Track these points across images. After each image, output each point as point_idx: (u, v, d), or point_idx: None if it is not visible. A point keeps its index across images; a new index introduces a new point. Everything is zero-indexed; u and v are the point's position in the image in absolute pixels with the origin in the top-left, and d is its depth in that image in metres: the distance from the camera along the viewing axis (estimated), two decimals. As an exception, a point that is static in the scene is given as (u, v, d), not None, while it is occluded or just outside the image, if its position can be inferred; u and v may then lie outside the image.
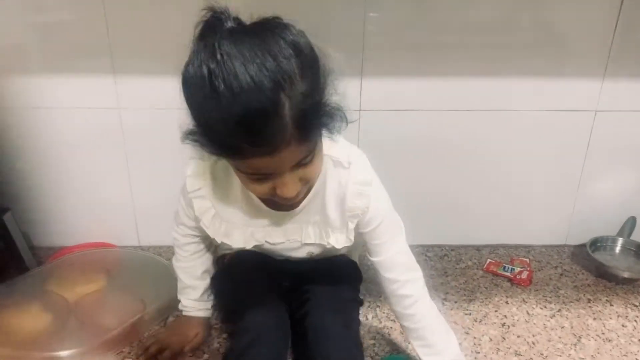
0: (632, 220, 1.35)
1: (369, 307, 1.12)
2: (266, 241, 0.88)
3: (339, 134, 0.69)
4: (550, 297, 1.18)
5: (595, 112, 1.24)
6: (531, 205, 1.35)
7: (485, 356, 1.00)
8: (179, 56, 1.17)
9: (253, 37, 0.61)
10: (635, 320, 1.11)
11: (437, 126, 1.24)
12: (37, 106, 1.19)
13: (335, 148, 0.79)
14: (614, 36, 1.16)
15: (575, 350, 1.02)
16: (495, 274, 1.27)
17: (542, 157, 1.29)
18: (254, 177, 0.68)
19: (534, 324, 1.09)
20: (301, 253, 0.91)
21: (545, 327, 1.08)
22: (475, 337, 1.05)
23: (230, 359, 0.87)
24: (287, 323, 0.90)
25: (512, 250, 1.38)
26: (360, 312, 1.03)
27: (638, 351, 1.02)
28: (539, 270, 1.29)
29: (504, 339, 1.05)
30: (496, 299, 1.18)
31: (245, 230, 0.87)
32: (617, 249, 1.35)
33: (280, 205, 0.81)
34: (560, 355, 1.00)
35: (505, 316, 1.12)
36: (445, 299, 1.16)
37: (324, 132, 0.68)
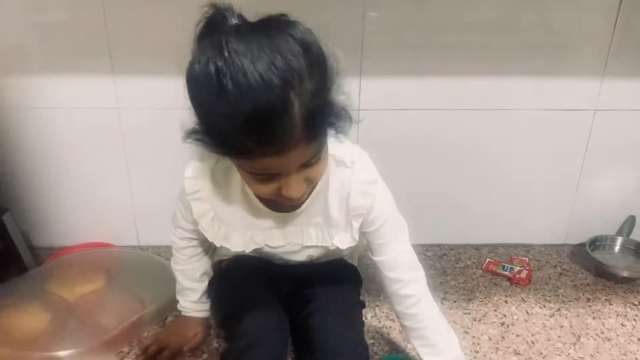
0: (631, 220, 1.35)
1: (368, 306, 1.12)
2: (266, 244, 0.86)
3: (345, 134, 0.69)
4: (550, 297, 1.19)
5: (594, 112, 1.24)
6: (530, 204, 1.36)
7: (484, 355, 1.00)
8: (178, 56, 1.17)
9: (261, 34, 0.59)
10: (634, 320, 1.11)
11: (436, 126, 1.24)
12: (37, 106, 1.19)
13: (337, 147, 0.78)
14: (613, 35, 1.16)
15: (574, 349, 1.02)
16: (495, 273, 1.27)
17: (541, 156, 1.29)
18: (260, 177, 0.67)
19: (533, 323, 1.09)
20: (301, 256, 0.91)
21: (545, 326, 1.08)
22: (474, 337, 1.05)
23: None
24: (287, 326, 0.89)
25: (512, 250, 1.38)
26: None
27: (637, 350, 1.02)
28: (538, 270, 1.29)
29: (503, 338, 1.05)
30: (495, 298, 1.18)
31: (245, 233, 0.86)
32: (617, 248, 1.35)
33: (282, 206, 0.80)
34: (559, 355, 1.00)
35: (505, 315, 1.12)
36: (444, 299, 1.16)
37: (331, 132, 0.67)
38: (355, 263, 1.08)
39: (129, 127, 1.21)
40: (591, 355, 1.01)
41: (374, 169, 0.83)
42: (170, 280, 1.03)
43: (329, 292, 0.92)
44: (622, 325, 1.10)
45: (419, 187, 1.30)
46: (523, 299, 1.17)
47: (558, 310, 1.14)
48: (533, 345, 1.03)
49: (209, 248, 1.00)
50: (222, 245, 0.87)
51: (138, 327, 1.02)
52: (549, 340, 1.04)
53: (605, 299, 1.18)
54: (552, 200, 1.36)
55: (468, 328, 1.07)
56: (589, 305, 1.16)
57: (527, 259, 1.32)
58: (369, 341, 1.02)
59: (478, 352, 1.01)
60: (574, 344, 1.04)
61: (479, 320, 1.10)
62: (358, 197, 0.81)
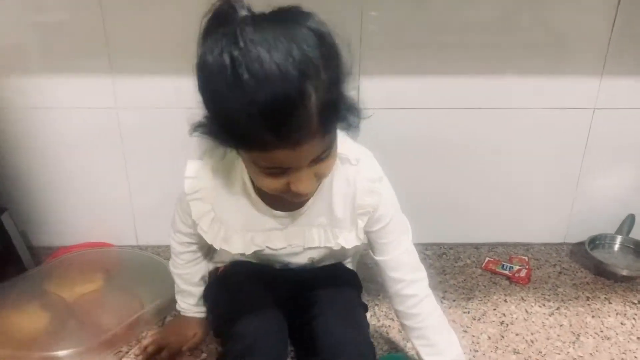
0: (630, 218, 1.35)
1: (363, 301, 1.12)
2: (267, 246, 0.84)
3: (356, 129, 0.68)
4: (549, 295, 1.18)
5: (593, 110, 1.24)
6: (530, 203, 1.35)
7: (483, 354, 1.00)
8: (177, 56, 1.17)
9: (276, 24, 0.58)
10: (633, 318, 1.11)
11: (435, 125, 1.24)
12: (35, 106, 1.19)
13: (342, 145, 0.76)
14: (611, 34, 1.16)
15: (573, 348, 1.02)
16: (494, 272, 1.27)
17: (541, 155, 1.29)
18: (270, 171, 0.66)
19: (533, 322, 1.09)
20: (302, 258, 0.89)
21: (544, 325, 1.08)
22: (473, 336, 1.05)
23: None
24: (285, 330, 0.87)
25: (511, 249, 1.38)
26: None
27: (637, 349, 1.02)
28: (538, 269, 1.29)
29: (503, 337, 1.05)
30: (495, 297, 1.18)
31: (245, 235, 0.84)
32: (616, 246, 1.35)
33: (286, 202, 0.79)
34: (558, 353, 1.00)
35: (504, 314, 1.12)
36: (443, 298, 1.16)
37: (342, 127, 0.66)
38: (354, 268, 1.05)
39: (128, 127, 1.21)
40: (590, 354, 1.01)
41: (379, 167, 0.82)
42: (169, 280, 1.03)
43: (331, 295, 0.90)
44: (621, 323, 1.10)
45: (417, 186, 1.30)
46: (522, 298, 1.17)
47: (557, 309, 1.14)
48: (532, 344, 1.03)
49: (207, 252, 0.99)
50: (221, 248, 0.85)
51: (137, 326, 1.02)
52: (548, 339, 1.04)
53: (605, 298, 1.18)
54: (552, 199, 1.35)
55: (467, 327, 1.07)
56: (589, 304, 1.16)
57: (526, 258, 1.32)
58: (368, 340, 1.02)
59: (477, 351, 1.00)
60: (574, 342, 1.03)
61: (479, 319, 1.10)
62: (364, 195, 0.80)
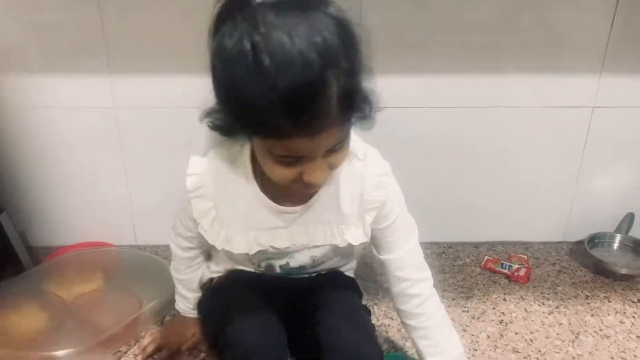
0: (630, 217, 1.35)
1: (366, 305, 1.12)
2: (271, 246, 0.82)
3: (372, 121, 0.67)
4: (548, 294, 1.18)
5: (592, 109, 1.24)
6: (529, 201, 1.35)
7: (483, 353, 1.00)
8: (176, 56, 1.17)
9: (296, 10, 0.57)
10: (633, 317, 1.11)
11: (433, 124, 1.24)
12: (33, 106, 1.18)
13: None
14: (610, 32, 1.16)
15: (573, 346, 1.02)
16: (493, 271, 1.27)
17: (540, 153, 1.29)
18: (284, 160, 0.64)
19: (532, 320, 1.09)
20: (304, 257, 0.87)
21: (543, 324, 1.08)
22: (472, 335, 1.05)
23: None
24: (285, 338, 0.84)
25: (510, 247, 1.38)
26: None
27: (636, 347, 1.02)
28: (537, 267, 1.29)
29: (502, 336, 1.05)
30: (494, 296, 1.17)
31: (248, 234, 0.81)
32: (615, 245, 1.35)
33: (292, 198, 0.78)
34: (558, 352, 1.00)
35: (503, 313, 1.11)
36: (442, 297, 1.14)
37: (358, 118, 0.65)
38: (353, 276, 1.02)
39: (126, 127, 1.21)
40: (590, 352, 1.00)
41: (386, 162, 0.82)
42: (168, 280, 1.02)
43: (333, 299, 0.88)
44: (620, 322, 1.10)
45: (416, 185, 1.28)
46: (522, 297, 1.17)
47: (557, 307, 1.14)
48: (532, 343, 1.03)
49: (208, 257, 0.97)
50: (217, 255, 0.83)
51: (136, 326, 1.02)
52: (547, 337, 1.04)
53: (604, 297, 1.18)
54: (551, 198, 1.35)
55: (466, 326, 1.07)
56: (588, 303, 1.16)
57: (525, 257, 1.32)
58: (367, 339, 1.02)
59: (477, 350, 1.00)
60: (573, 341, 1.03)
61: (478, 318, 1.10)
62: (372, 190, 0.79)
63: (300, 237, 0.83)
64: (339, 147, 0.66)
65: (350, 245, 0.84)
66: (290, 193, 0.77)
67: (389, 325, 1.06)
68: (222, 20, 0.60)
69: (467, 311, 1.12)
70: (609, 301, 1.16)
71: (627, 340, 1.04)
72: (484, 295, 1.17)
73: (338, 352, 0.78)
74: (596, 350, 1.01)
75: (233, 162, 0.79)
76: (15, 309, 1.04)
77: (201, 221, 0.81)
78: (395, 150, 1.23)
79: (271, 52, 0.54)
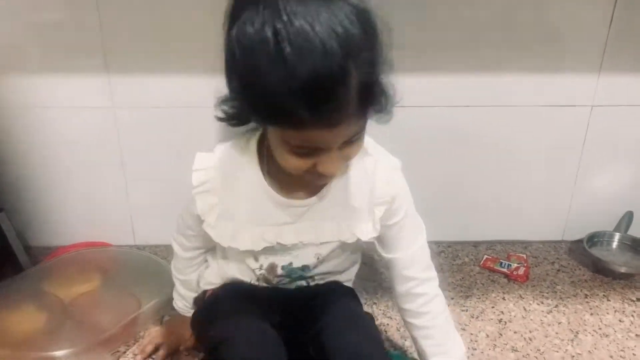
0: (629, 215, 1.35)
1: (365, 304, 1.12)
2: (277, 242, 0.80)
3: (389, 114, 0.67)
4: (547, 293, 1.18)
5: (591, 107, 1.24)
6: (528, 200, 1.35)
7: (482, 352, 1.00)
8: (174, 55, 1.17)
9: None
10: (632, 315, 1.11)
11: (431, 123, 1.23)
12: (32, 105, 1.18)
13: None
14: (609, 31, 1.16)
15: (572, 345, 1.02)
16: (492, 270, 1.27)
17: (538, 152, 1.29)
18: (300, 150, 0.64)
19: (531, 319, 1.09)
20: (309, 255, 0.84)
21: (542, 323, 1.08)
22: (472, 334, 1.05)
23: None
24: (283, 353, 0.80)
25: (509, 246, 1.38)
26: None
27: (635, 346, 1.02)
28: (536, 266, 1.29)
29: (501, 335, 1.05)
30: (493, 295, 1.17)
31: (254, 230, 0.80)
32: (614, 244, 1.35)
33: (303, 187, 0.77)
34: (557, 351, 1.00)
35: (502, 312, 1.11)
36: (442, 296, 1.16)
37: (375, 111, 0.65)
38: (352, 285, 0.99)
39: (125, 126, 1.21)
40: (589, 351, 1.00)
41: (396, 159, 0.82)
42: (167, 280, 1.02)
43: (337, 306, 0.85)
44: (620, 321, 1.10)
45: (415, 184, 1.29)
46: (521, 296, 1.17)
47: (556, 306, 1.14)
48: (531, 341, 1.03)
49: (209, 256, 0.95)
50: (229, 246, 0.80)
51: (134, 326, 1.02)
52: (546, 336, 1.04)
53: (603, 295, 1.18)
54: (550, 197, 1.35)
55: (465, 325, 1.07)
56: (587, 302, 1.16)
57: (524, 256, 1.32)
58: (366, 339, 1.01)
59: (476, 349, 1.00)
60: (572, 340, 1.03)
61: (477, 317, 1.10)
62: (383, 184, 0.79)
63: (307, 234, 0.81)
64: (355, 138, 0.65)
65: (356, 243, 0.83)
66: (300, 184, 0.77)
67: (387, 324, 1.06)
68: (242, 7, 0.59)
69: (466, 310, 1.12)
70: (608, 300, 1.16)
71: (626, 338, 1.04)
72: (483, 295, 1.17)
73: (346, 358, 0.76)
74: (595, 349, 1.01)
75: (240, 155, 0.78)
76: (14, 309, 1.04)
77: (207, 218, 0.80)
78: (393, 150, 1.23)
79: (293, 40, 0.54)
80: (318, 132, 0.60)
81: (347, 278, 0.95)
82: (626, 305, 1.15)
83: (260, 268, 0.86)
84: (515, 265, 1.26)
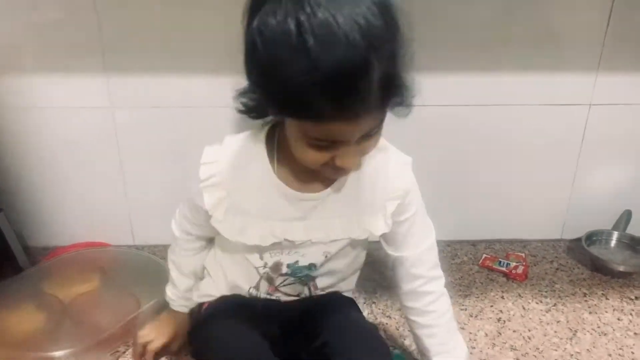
0: (627, 214, 1.35)
1: (364, 303, 1.12)
2: (285, 238, 0.79)
3: (409, 108, 0.67)
4: (546, 292, 1.19)
5: (589, 106, 1.24)
6: (527, 199, 1.35)
7: (481, 351, 1.00)
8: (173, 55, 1.17)
9: None
10: (630, 314, 1.11)
11: (429, 122, 1.23)
12: (31, 106, 1.18)
13: None
14: (607, 30, 1.16)
15: (571, 344, 1.02)
16: (491, 269, 1.27)
17: (537, 151, 1.29)
18: (318, 143, 0.64)
19: (530, 318, 1.09)
20: (317, 253, 0.82)
21: (541, 322, 1.08)
22: (470, 333, 1.05)
23: None
24: None
25: (508, 245, 1.38)
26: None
27: (634, 344, 1.02)
28: (535, 265, 1.29)
29: (500, 333, 1.05)
30: (492, 294, 1.18)
31: (263, 225, 0.78)
32: (613, 242, 1.35)
33: (315, 180, 0.76)
34: (556, 350, 1.00)
35: (501, 311, 1.12)
36: (441, 295, 1.16)
37: (395, 104, 0.65)
38: (351, 295, 0.97)
39: (123, 126, 1.21)
40: (588, 350, 1.01)
41: (408, 156, 0.82)
42: (166, 280, 1.02)
43: (339, 319, 0.84)
44: (618, 319, 1.10)
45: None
46: (519, 295, 1.17)
47: (554, 305, 1.14)
48: (529, 340, 1.03)
49: (205, 246, 0.93)
50: (237, 241, 0.79)
51: (134, 326, 1.02)
52: (545, 335, 1.04)
53: (602, 294, 1.18)
54: (548, 195, 1.35)
55: (464, 324, 1.07)
56: (586, 300, 1.16)
57: (523, 255, 1.32)
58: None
59: (475, 348, 1.00)
60: (571, 339, 1.04)
61: (476, 316, 1.10)
62: (396, 179, 0.79)
63: (317, 230, 0.80)
64: (373, 132, 0.66)
65: (366, 240, 0.83)
66: (313, 176, 0.76)
67: (387, 323, 1.06)
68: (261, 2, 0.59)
69: (465, 309, 1.12)
70: (607, 298, 1.17)
71: (625, 337, 1.04)
72: (481, 293, 1.18)
73: None
74: (594, 347, 1.01)
75: (249, 148, 0.77)
76: (13, 310, 1.04)
77: (215, 212, 0.78)
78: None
79: (316, 32, 0.54)
80: (338, 125, 0.60)
81: (348, 288, 0.94)
82: (625, 303, 1.15)
83: (265, 266, 0.84)
84: (514, 264, 1.27)
